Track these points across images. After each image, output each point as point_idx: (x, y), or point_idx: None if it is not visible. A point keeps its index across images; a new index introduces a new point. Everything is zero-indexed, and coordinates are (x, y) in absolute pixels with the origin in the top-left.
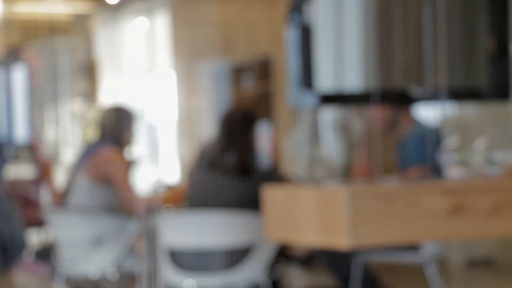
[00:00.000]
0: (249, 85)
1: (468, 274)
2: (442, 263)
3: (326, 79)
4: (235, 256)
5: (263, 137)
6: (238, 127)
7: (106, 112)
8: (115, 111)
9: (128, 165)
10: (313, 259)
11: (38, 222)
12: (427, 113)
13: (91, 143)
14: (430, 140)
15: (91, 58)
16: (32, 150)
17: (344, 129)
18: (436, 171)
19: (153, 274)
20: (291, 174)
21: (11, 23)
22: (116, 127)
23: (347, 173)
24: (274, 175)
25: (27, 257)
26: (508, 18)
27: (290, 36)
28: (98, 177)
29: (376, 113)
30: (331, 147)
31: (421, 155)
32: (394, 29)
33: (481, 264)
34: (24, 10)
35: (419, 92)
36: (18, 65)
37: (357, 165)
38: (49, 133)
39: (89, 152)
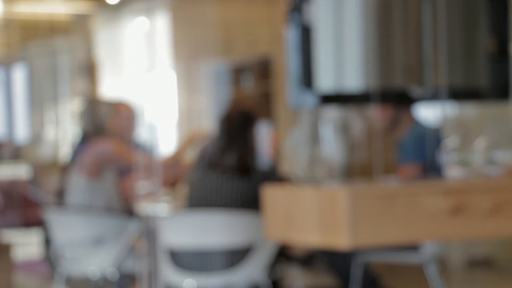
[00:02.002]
0: (249, 85)
1: (468, 274)
2: (442, 263)
3: (326, 79)
4: (235, 256)
5: (263, 137)
6: (237, 126)
7: (88, 108)
8: (95, 105)
9: (125, 147)
10: (313, 259)
11: (38, 222)
12: (427, 113)
13: (79, 141)
14: (429, 139)
15: (91, 58)
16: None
17: (344, 129)
18: (436, 171)
19: (153, 274)
20: (291, 174)
21: (11, 23)
22: (100, 121)
23: (347, 173)
24: (274, 175)
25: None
26: (508, 18)
27: (290, 36)
28: (94, 171)
29: (378, 113)
30: (331, 147)
31: (417, 153)
32: (394, 29)
33: (481, 264)
34: (24, 10)
35: (419, 92)
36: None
37: (403, 168)
38: (49, 133)
39: (80, 151)
